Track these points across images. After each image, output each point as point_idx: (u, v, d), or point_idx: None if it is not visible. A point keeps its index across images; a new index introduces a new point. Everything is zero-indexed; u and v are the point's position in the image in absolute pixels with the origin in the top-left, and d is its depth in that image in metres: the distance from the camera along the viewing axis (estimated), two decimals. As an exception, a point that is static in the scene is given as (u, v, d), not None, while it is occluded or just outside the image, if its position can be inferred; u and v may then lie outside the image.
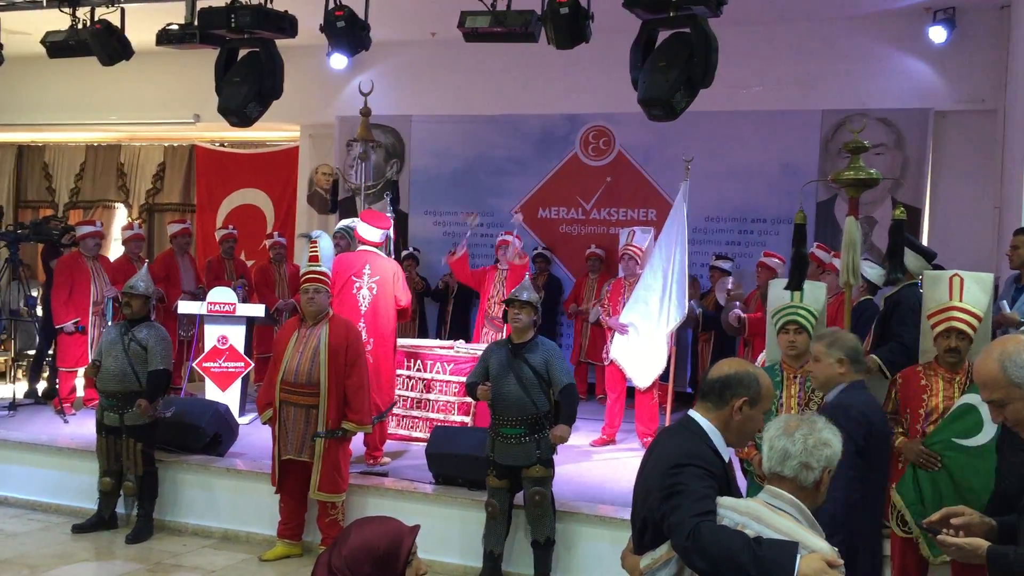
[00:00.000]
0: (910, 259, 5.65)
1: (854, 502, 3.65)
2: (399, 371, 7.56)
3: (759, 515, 2.56)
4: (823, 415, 3.42)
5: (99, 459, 6.50)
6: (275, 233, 10.23)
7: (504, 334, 8.14)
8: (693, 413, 2.86)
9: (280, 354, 5.98)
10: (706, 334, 9.02)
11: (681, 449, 2.73)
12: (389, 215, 7.86)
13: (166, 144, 12.77)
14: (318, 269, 6.05)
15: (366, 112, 8.44)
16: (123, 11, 6.72)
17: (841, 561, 2.46)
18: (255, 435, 7.43)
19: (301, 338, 5.94)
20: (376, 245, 7.19)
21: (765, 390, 2.83)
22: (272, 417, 5.97)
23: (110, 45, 6.68)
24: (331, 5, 6.08)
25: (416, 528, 2.51)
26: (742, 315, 7.95)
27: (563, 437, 5.37)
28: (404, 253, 9.55)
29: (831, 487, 3.43)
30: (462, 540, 5.95)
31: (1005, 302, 5.61)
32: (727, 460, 2.82)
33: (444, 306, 10.20)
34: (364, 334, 6.75)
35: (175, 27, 6.24)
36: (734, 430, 2.81)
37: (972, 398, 4.48)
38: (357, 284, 6.98)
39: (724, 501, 2.63)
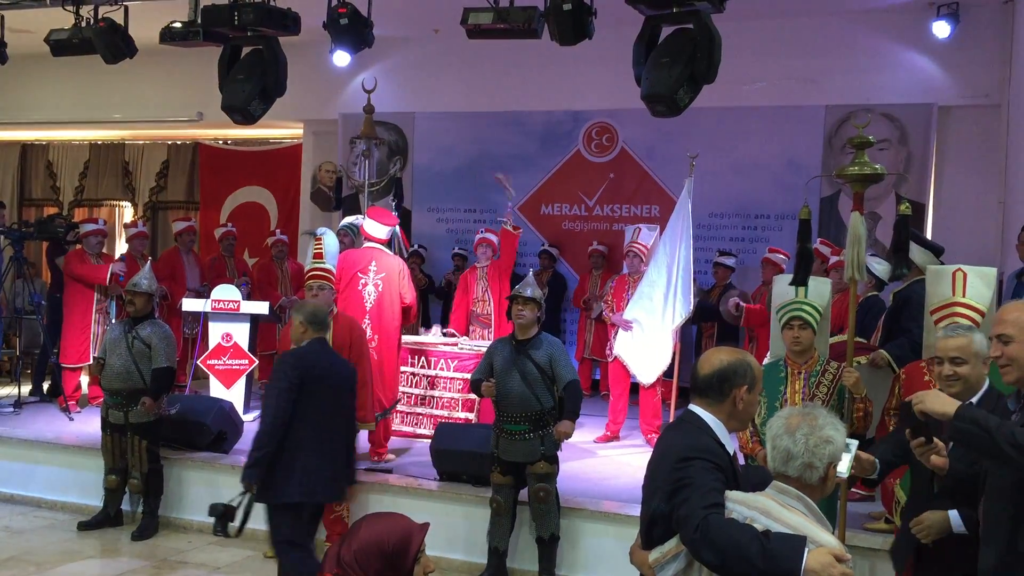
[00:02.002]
0: (918, 254, 5.62)
1: (282, 422, 4.69)
2: (403, 368, 7.57)
3: (768, 509, 2.58)
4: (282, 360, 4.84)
5: (104, 456, 6.52)
6: (277, 231, 10.23)
7: (492, 331, 8.13)
8: (694, 407, 2.87)
9: (285, 351, 5.99)
10: (710, 329, 9.00)
11: (687, 443, 2.74)
12: (393, 214, 7.85)
13: (170, 142, 12.78)
14: (322, 266, 6.05)
15: (369, 109, 8.44)
16: (127, 9, 6.73)
17: (849, 556, 2.47)
18: (260, 432, 7.44)
19: (306, 335, 5.94)
20: (382, 242, 7.20)
21: (757, 372, 2.89)
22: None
23: (114, 43, 6.69)
24: (334, 2, 6.07)
25: (426, 526, 2.52)
26: (741, 303, 7.97)
27: (567, 433, 5.37)
28: (410, 250, 9.54)
29: (264, 410, 4.78)
30: (467, 536, 5.96)
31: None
32: (732, 452, 2.83)
33: (448, 304, 10.20)
34: (369, 330, 6.77)
35: (178, 25, 6.24)
36: (737, 417, 2.86)
37: (976, 394, 4.47)
38: (363, 280, 6.99)
39: (733, 495, 2.64)
